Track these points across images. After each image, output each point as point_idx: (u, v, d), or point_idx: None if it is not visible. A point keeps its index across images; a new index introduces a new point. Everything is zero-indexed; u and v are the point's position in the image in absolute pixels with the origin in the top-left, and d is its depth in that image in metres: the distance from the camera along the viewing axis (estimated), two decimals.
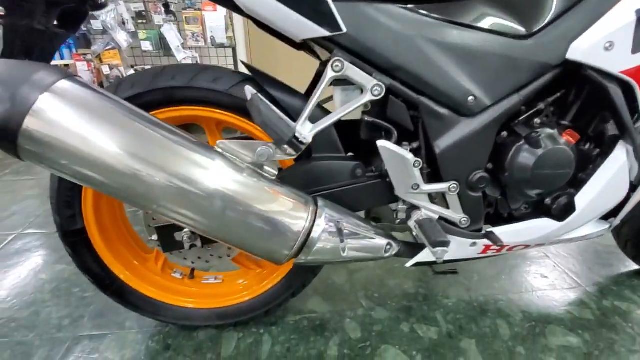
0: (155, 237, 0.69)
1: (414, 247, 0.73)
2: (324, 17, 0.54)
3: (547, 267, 1.10)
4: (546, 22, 0.60)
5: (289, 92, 0.66)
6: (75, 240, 0.71)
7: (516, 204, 0.73)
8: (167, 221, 0.67)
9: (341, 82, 0.62)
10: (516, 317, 0.91)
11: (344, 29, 0.56)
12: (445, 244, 0.59)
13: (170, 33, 1.98)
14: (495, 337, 0.84)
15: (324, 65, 0.69)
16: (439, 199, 0.69)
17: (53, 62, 0.62)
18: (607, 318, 0.90)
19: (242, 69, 0.73)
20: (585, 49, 0.59)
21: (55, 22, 0.61)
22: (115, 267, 0.76)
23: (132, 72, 2.02)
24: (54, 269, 1.08)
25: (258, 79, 0.65)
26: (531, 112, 0.66)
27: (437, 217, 0.69)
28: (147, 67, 2.06)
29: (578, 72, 0.62)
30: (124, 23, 1.91)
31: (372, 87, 0.59)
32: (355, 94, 0.63)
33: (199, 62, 2.16)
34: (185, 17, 2.00)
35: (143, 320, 0.89)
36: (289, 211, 0.55)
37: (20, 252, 1.17)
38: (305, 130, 0.57)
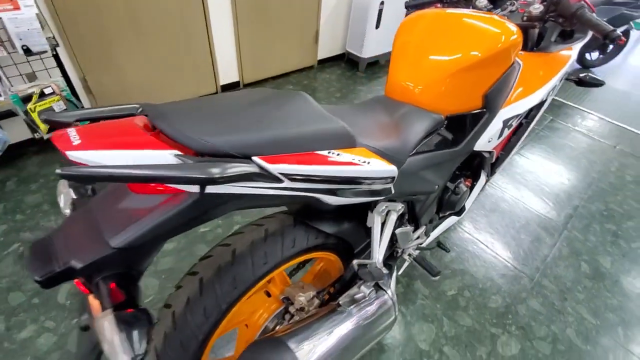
0: None
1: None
2: (385, 194, 0.76)
3: None
4: (466, 138, 1.00)
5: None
6: None
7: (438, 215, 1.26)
8: None
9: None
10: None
11: (393, 191, 0.79)
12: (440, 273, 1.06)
13: None
14: None
15: None
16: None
17: None
18: None
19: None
20: (482, 144, 1.04)
21: None
22: None
23: None
24: None
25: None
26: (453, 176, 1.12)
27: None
28: None
29: (472, 153, 1.09)
30: None
31: (398, 208, 0.89)
32: (382, 215, 0.91)
33: (1, 78, 1.46)
34: None
35: None
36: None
37: None
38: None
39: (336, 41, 3.19)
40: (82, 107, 1.83)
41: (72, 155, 0.38)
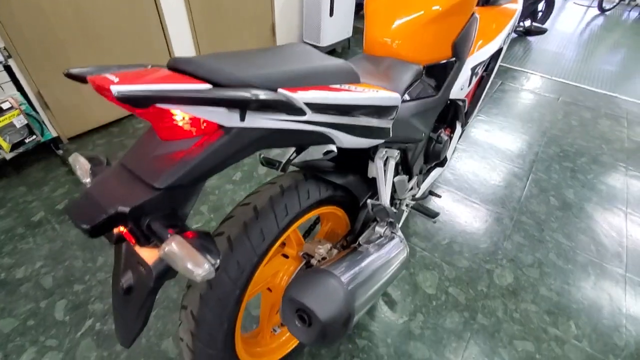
0: None
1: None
2: (385, 135, 0.82)
3: None
4: (443, 86, 1.09)
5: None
6: None
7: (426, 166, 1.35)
8: None
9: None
10: None
11: (391, 136, 0.86)
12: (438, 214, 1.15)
13: None
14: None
15: None
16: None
17: None
18: None
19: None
20: (455, 92, 1.14)
21: None
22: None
23: None
24: None
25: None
26: (434, 128, 1.21)
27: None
28: None
29: (448, 102, 1.18)
30: None
31: (395, 155, 0.95)
32: (383, 160, 0.97)
33: None
34: None
35: None
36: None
37: None
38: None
39: (293, 33, 3.24)
40: (42, 121, 1.72)
41: (117, 89, 0.39)
